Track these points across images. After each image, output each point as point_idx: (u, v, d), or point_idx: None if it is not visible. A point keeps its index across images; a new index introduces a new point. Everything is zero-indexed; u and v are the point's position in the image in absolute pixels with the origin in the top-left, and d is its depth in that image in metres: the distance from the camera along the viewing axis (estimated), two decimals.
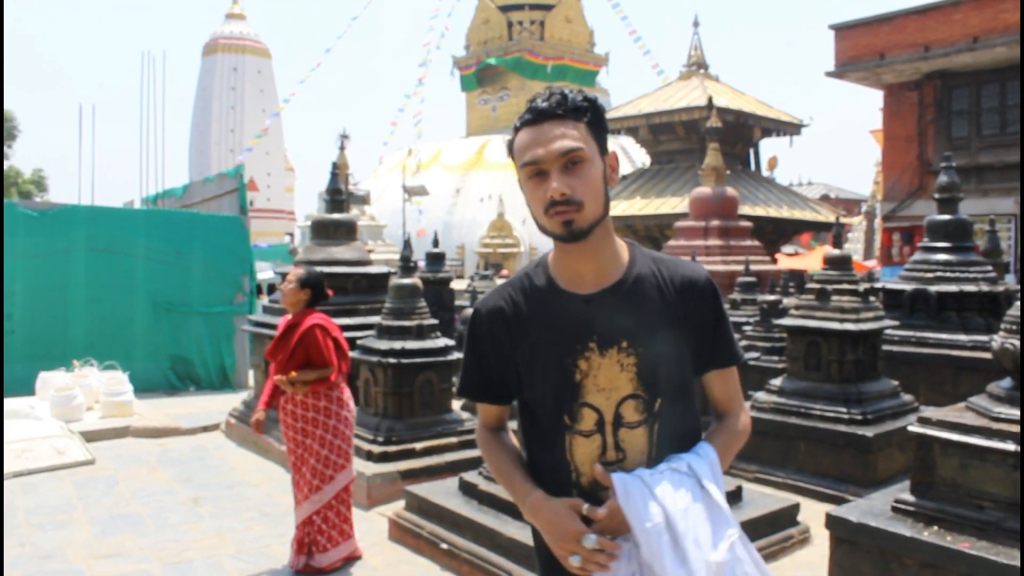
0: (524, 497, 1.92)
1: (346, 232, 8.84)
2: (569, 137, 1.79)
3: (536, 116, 1.82)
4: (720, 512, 1.83)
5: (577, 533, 1.78)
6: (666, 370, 1.89)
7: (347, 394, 5.17)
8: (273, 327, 8.27)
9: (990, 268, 8.88)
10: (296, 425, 5.05)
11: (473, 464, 5.99)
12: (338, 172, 9.07)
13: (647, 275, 1.93)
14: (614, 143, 44.39)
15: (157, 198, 18.35)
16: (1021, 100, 16.20)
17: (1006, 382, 3.96)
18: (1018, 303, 3.95)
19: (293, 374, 4.92)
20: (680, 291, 1.93)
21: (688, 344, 1.93)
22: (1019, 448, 3.60)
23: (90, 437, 8.48)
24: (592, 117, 1.84)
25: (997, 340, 3.91)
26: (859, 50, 18.92)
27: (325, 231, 8.76)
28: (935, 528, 3.78)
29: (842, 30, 19.45)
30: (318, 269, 5.45)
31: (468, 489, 5.30)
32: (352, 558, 5.14)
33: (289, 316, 5.19)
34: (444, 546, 5.05)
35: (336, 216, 8.87)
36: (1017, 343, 3.75)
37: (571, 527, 1.79)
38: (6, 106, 35.97)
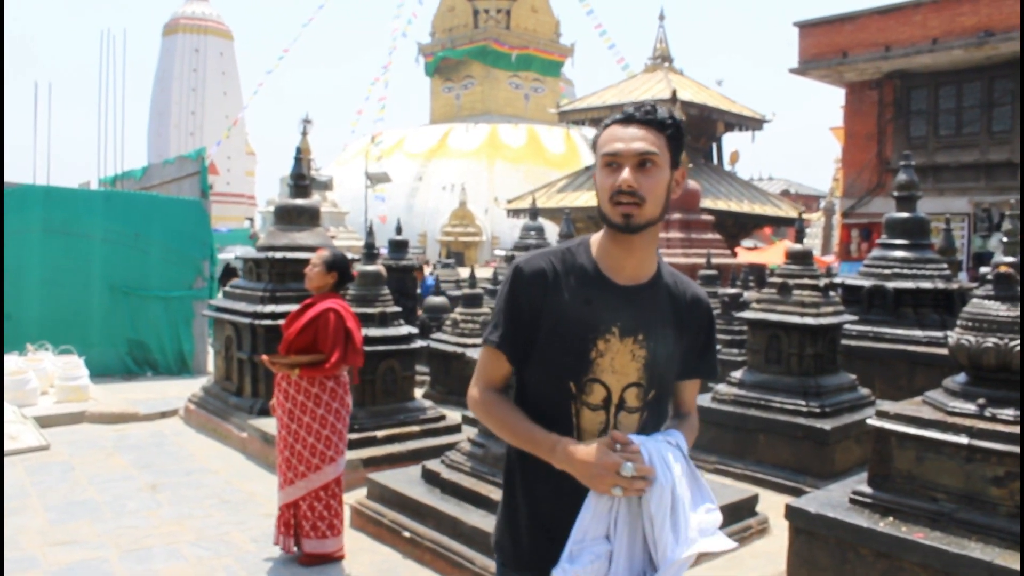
0: (553, 445, 2.01)
1: (309, 218, 8.76)
2: (648, 141, 2.00)
3: (625, 119, 2.04)
4: (699, 484, 2.07)
5: (616, 464, 1.91)
6: (665, 367, 2.12)
7: (344, 386, 4.99)
8: (233, 312, 8.20)
9: (945, 266, 9.06)
10: (286, 406, 4.94)
11: (436, 452, 6.00)
12: (301, 157, 8.98)
13: (669, 283, 2.17)
14: (577, 133, 44.52)
15: (116, 180, 17.99)
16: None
17: (961, 377, 4.05)
18: (973, 300, 4.04)
19: (292, 356, 4.86)
20: (688, 305, 2.18)
21: (682, 351, 2.17)
22: (971, 442, 3.69)
23: (44, 422, 8.33)
24: (672, 133, 2.04)
25: (953, 336, 3.99)
26: (822, 48, 19.16)
27: (288, 216, 8.68)
28: (891, 519, 3.87)
29: (806, 27, 19.67)
30: (341, 253, 5.22)
31: (431, 477, 5.30)
32: (335, 557, 4.98)
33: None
34: (406, 534, 5.05)
35: (299, 202, 8.78)
36: (973, 339, 3.84)
37: (610, 459, 1.92)
38: None
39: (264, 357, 4.98)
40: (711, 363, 2.29)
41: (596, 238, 2.16)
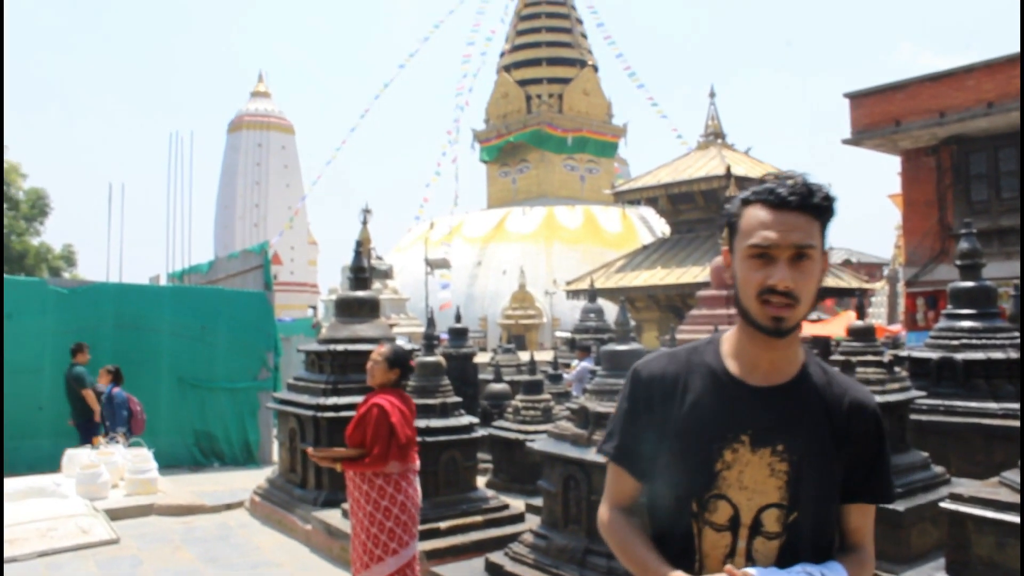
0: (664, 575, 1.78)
1: (369, 309, 8.92)
2: (805, 232, 1.74)
3: (778, 203, 1.75)
4: None
5: None
6: (815, 486, 1.79)
7: (395, 483, 4.92)
8: (297, 404, 8.32)
9: (1017, 333, 8.79)
10: (350, 498, 5.02)
11: (499, 544, 5.94)
12: (361, 249, 9.19)
13: (819, 384, 1.85)
14: (633, 213, 44.73)
15: (183, 274, 18.62)
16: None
17: None
18: None
19: (335, 450, 4.93)
20: (848, 412, 1.84)
21: (842, 468, 1.83)
22: None
23: (114, 515, 8.47)
24: (827, 218, 1.79)
25: None
26: (875, 117, 19.09)
27: (349, 309, 8.85)
28: None
29: (857, 98, 19.65)
30: (403, 348, 5.29)
31: (494, 570, 5.24)
32: None
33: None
34: None
35: (360, 294, 8.96)
36: None
37: None
38: (39, 184, 36.84)
39: (309, 449, 5.04)
40: (883, 482, 1.90)
41: (729, 335, 1.90)
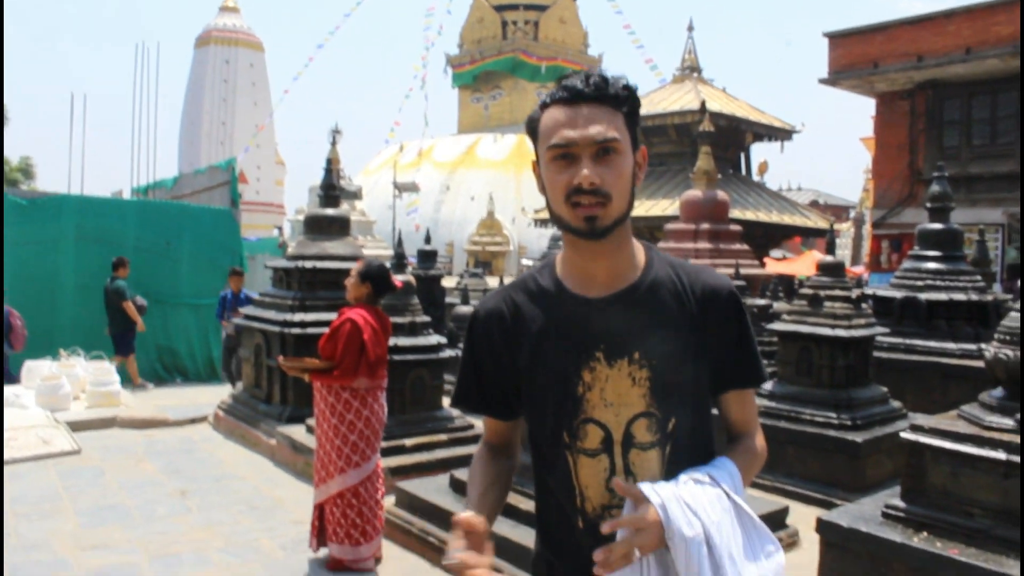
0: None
1: (339, 228, 8.81)
2: (606, 124, 1.61)
3: (572, 96, 1.63)
4: (753, 525, 1.66)
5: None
6: (682, 386, 1.70)
7: (362, 398, 4.91)
8: (263, 320, 8.26)
9: (979, 278, 8.94)
10: (316, 410, 5.04)
11: (464, 461, 5.99)
12: (332, 168, 9.05)
13: (665, 280, 1.74)
14: None
15: (148, 189, 18.26)
16: (1021, 108, 16.19)
17: (998, 391, 3.99)
18: (1012, 313, 3.98)
19: (305, 360, 4.92)
20: (701, 301, 1.73)
21: (707, 359, 1.74)
22: (1009, 457, 3.63)
23: (76, 427, 8.42)
24: (630, 108, 1.67)
25: (991, 350, 3.94)
26: (853, 58, 18.99)
27: (318, 226, 8.74)
28: (925, 534, 3.81)
29: (836, 38, 19.51)
30: (378, 263, 5.22)
31: (459, 486, 5.30)
32: (363, 567, 4.95)
33: None
34: (434, 542, 5.05)
35: (330, 212, 8.85)
36: (1011, 353, 3.78)
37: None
38: None
39: (280, 358, 5.04)
40: (752, 365, 1.80)
41: (562, 254, 1.79)
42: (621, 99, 1.65)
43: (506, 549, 4.56)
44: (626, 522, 1.53)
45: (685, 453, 1.70)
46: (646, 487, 1.57)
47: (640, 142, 1.73)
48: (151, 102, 31.48)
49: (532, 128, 1.72)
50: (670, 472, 1.67)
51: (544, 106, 1.69)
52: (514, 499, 4.85)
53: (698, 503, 1.57)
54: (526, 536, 4.55)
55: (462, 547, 1.57)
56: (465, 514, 1.64)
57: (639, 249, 1.78)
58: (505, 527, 4.69)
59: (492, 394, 1.83)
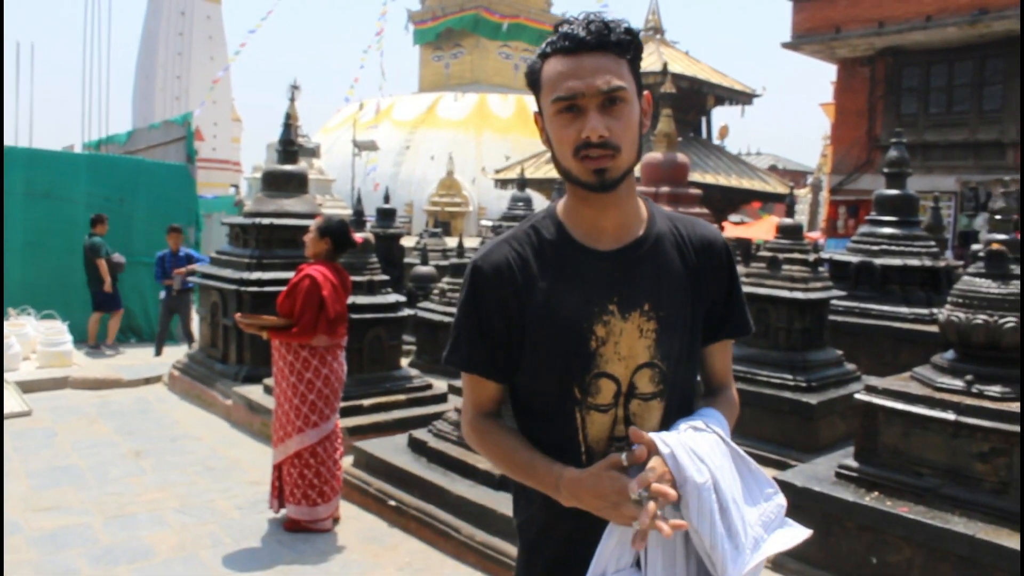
0: (556, 480, 1.62)
1: (297, 184, 8.67)
2: (612, 73, 1.57)
3: (575, 46, 1.58)
4: (749, 469, 1.66)
5: (624, 490, 1.51)
6: (682, 337, 1.71)
7: (321, 356, 4.84)
8: (219, 278, 8.13)
9: (933, 243, 9.07)
10: (274, 368, 4.97)
11: (422, 421, 5.99)
12: (290, 123, 8.88)
13: (666, 233, 1.74)
14: None
15: (100, 144, 17.83)
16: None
17: (949, 353, 4.06)
18: (965, 277, 4.04)
19: (263, 318, 4.85)
20: (699, 252, 1.75)
21: (702, 310, 1.76)
22: (958, 418, 3.70)
23: (27, 388, 8.26)
24: (633, 54, 1.63)
25: (943, 313, 4.00)
26: (816, 23, 19.05)
27: (276, 182, 8.59)
28: (876, 493, 3.89)
29: (801, 2, 19.54)
30: (338, 219, 5.12)
31: (417, 446, 5.29)
32: (322, 527, 4.91)
33: None
34: (392, 503, 5.04)
35: (288, 168, 8.70)
36: (963, 316, 3.84)
37: (616, 486, 1.52)
38: None
39: (237, 315, 4.96)
40: (740, 316, 1.83)
41: (562, 205, 1.76)
42: (624, 45, 1.60)
43: (464, 509, 4.58)
44: (651, 476, 1.50)
45: (678, 403, 1.72)
46: (655, 436, 1.56)
47: (643, 87, 1.69)
48: (103, 54, 30.66)
49: (534, 80, 1.67)
50: (666, 422, 1.68)
51: (544, 56, 1.65)
52: (472, 458, 4.86)
53: (702, 450, 1.57)
54: (484, 496, 4.57)
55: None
56: (611, 458, 1.57)
57: (640, 202, 1.77)
58: (462, 487, 4.71)
59: (497, 354, 1.73)
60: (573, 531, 1.68)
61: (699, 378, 1.87)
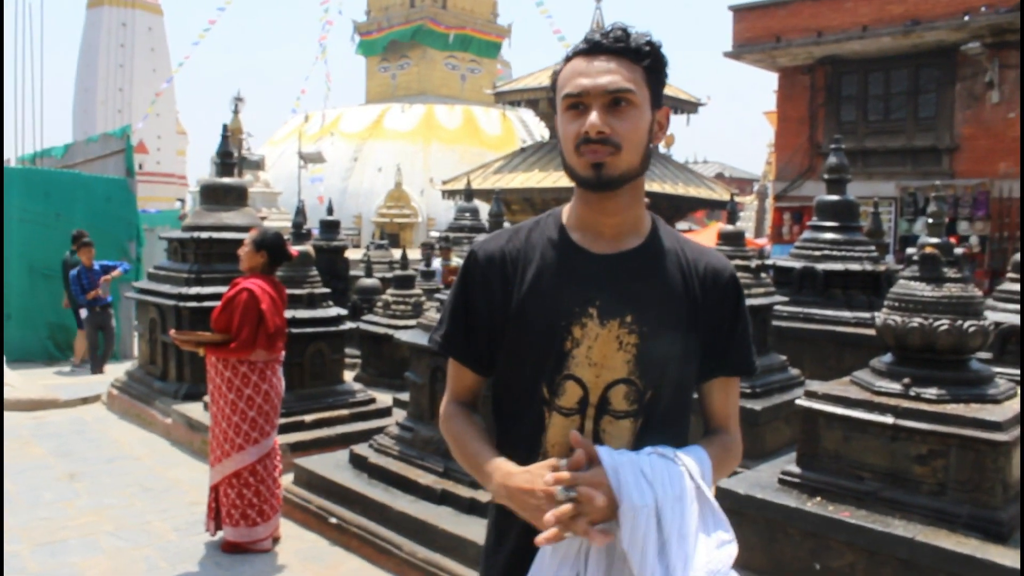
0: (491, 473, 1.62)
1: (236, 197, 8.52)
2: (621, 75, 1.59)
3: (591, 48, 1.62)
4: (711, 512, 1.61)
5: (550, 492, 1.49)
6: (668, 361, 1.66)
7: (260, 371, 4.74)
8: (158, 294, 7.94)
9: (874, 248, 9.21)
10: (210, 387, 4.83)
11: (365, 436, 5.89)
12: (229, 135, 8.73)
13: (670, 253, 1.71)
14: (513, 115, 44.38)
15: (35, 157, 17.35)
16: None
17: (887, 357, 4.09)
18: (900, 280, 4.08)
19: (198, 333, 4.73)
20: (703, 280, 1.71)
21: (699, 340, 1.70)
22: (896, 421, 3.72)
23: None
24: (651, 64, 1.63)
25: (880, 316, 4.03)
26: (756, 32, 19.32)
27: (215, 196, 8.43)
28: (818, 499, 3.89)
29: (741, 11, 19.81)
30: (273, 231, 5.03)
31: (358, 462, 5.20)
32: (261, 548, 4.78)
33: None
34: (333, 520, 4.94)
35: (226, 180, 8.54)
36: (900, 319, 3.87)
37: (541, 485, 1.50)
38: None
39: (172, 331, 4.83)
40: (742, 354, 1.77)
41: (569, 206, 1.76)
42: (642, 53, 1.62)
43: (405, 525, 4.50)
44: (581, 479, 1.49)
45: (658, 430, 1.66)
46: (602, 449, 1.54)
47: (662, 102, 1.69)
48: (37, 65, 29.94)
49: (554, 81, 1.70)
50: (639, 445, 1.63)
51: (567, 59, 1.68)
52: (413, 473, 4.79)
53: (656, 475, 1.53)
54: (425, 511, 4.50)
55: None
56: (550, 461, 1.56)
57: (647, 216, 1.76)
58: (403, 503, 4.63)
59: (479, 342, 1.74)
60: (519, 547, 1.65)
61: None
